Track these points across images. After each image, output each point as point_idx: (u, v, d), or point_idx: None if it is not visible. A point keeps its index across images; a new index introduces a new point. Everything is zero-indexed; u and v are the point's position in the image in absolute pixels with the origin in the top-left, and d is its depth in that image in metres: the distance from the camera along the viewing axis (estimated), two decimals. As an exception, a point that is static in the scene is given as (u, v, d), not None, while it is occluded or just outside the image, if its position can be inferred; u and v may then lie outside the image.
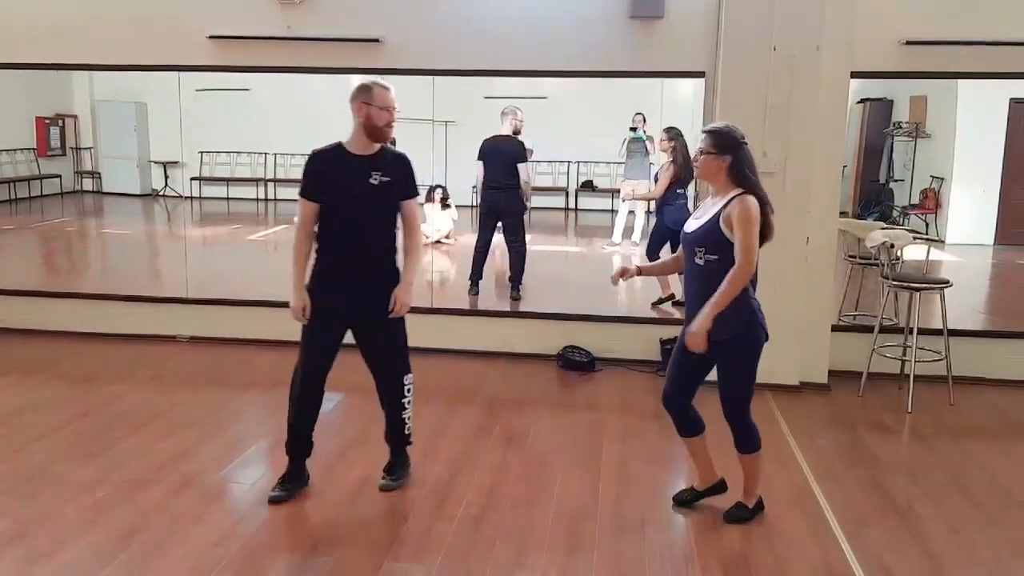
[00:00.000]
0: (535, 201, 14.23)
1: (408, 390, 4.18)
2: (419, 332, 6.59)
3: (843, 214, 6.98)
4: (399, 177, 4.05)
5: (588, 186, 15.55)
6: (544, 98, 13.83)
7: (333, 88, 14.50)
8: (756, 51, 5.65)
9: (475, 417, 5.28)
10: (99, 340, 6.77)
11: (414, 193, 4.11)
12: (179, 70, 7.02)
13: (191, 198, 16.63)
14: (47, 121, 16.48)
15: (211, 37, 6.47)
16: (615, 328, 6.58)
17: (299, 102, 13.96)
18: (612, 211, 13.15)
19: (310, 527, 3.80)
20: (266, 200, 16.37)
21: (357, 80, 4.18)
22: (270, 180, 16.42)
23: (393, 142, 4.19)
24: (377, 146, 4.03)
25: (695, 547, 3.73)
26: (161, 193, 16.88)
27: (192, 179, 16.70)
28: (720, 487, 4.14)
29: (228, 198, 16.55)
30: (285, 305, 6.82)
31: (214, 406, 5.40)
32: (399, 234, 4.08)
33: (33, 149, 16.30)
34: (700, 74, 6.12)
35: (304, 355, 4.12)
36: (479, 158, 8.25)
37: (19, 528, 3.70)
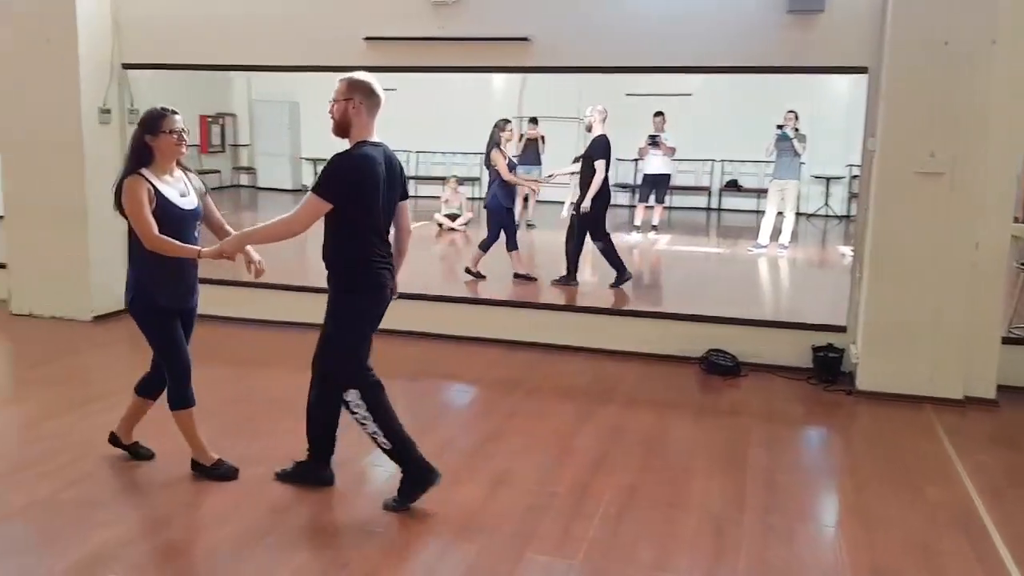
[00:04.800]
0: (676, 200, 14.16)
1: None
2: (558, 330, 6.69)
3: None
4: None
5: (733, 186, 15.20)
6: (689, 95, 13.62)
7: (475, 87, 14.81)
8: (925, 45, 5.35)
9: (614, 417, 5.22)
10: (255, 326, 7.11)
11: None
12: (336, 71, 7.24)
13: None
14: (210, 119, 17.47)
15: (367, 39, 6.67)
16: (762, 332, 6.36)
17: (441, 101, 14.26)
18: (759, 212, 12.79)
19: (453, 515, 3.84)
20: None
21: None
22: (411, 178, 16.84)
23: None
24: None
25: (847, 561, 3.57)
26: (310, 188, 17.54)
27: (339, 175, 17.30)
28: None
29: (372, 194, 17.04)
30: (425, 298, 7.09)
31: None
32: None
33: (196, 146, 17.30)
34: (863, 70, 5.85)
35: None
36: (605, 157, 8.28)
37: (187, 499, 3.93)
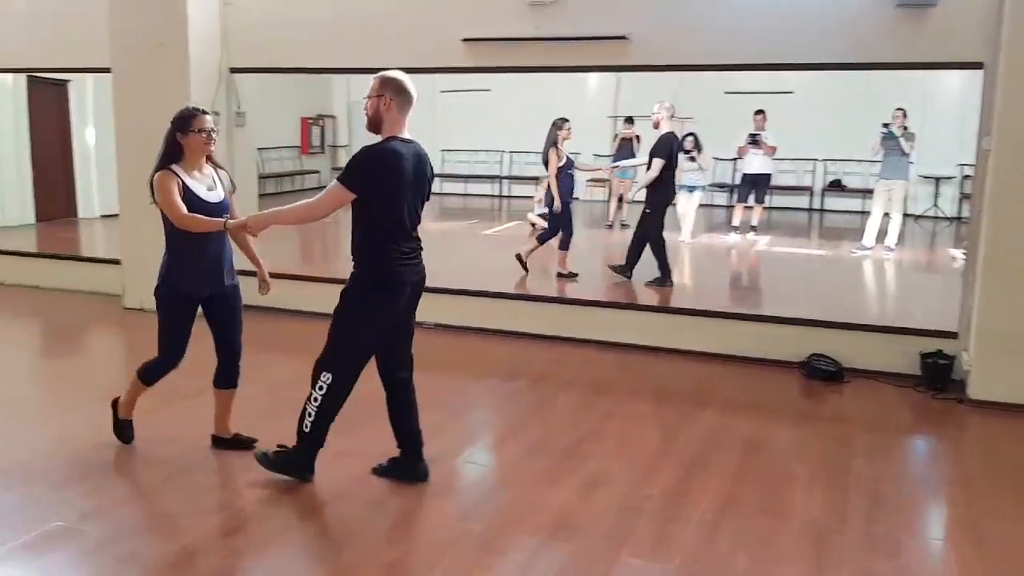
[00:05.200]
0: (776, 201, 13.84)
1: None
2: (653, 331, 6.61)
3: None
4: None
5: (836, 185, 14.77)
6: (790, 93, 13.29)
7: (569, 87, 14.76)
8: (1045, 38, 5.09)
9: (712, 421, 5.13)
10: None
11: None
12: (435, 72, 7.37)
13: (432, 194, 17.45)
14: (310, 121, 17.95)
15: (465, 40, 6.72)
16: (866, 337, 6.13)
17: (536, 101, 14.27)
18: (863, 213, 12.37)
19: (548, 513, 3.84)
20: (500, 197, 16.89)
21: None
22: (505, 177, 16.93)
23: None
24: None
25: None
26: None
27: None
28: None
29: (466, 194, 17.24)
30: (518, 298, 7.10)
31: (456, 390, 5.62)
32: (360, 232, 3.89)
33: (297, 147, 17.81)
34: (978, 65, 5.59)
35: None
36: (667, 156, 8.27)
37: (288, 489, 4.02)
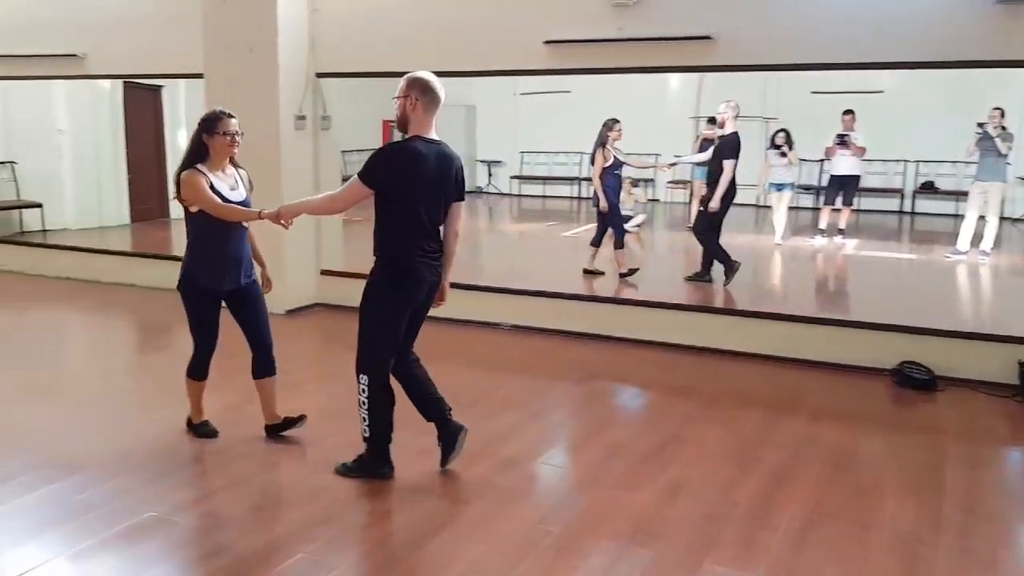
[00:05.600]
0: (864, 203, 13.46)
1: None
2: (733, 335, 6.49)
3: None
4: None
5: (929, 187, 14.30)
6: (880, 92, 12.92)
7: (651, 88, 14.60)
8: None
9: (798, 428, 5.00)
10: (429, 323, 7.29)
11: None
12: (517, 74, 7.38)
13: (510, 195, 17.57)
14: (392, 124, 18.15)
15: (547, 42, 6.71)
16: (961, 344, 5.90)
17: (616, 102, 14.20)
18: (957, 216, 11.92)
19: (628, 518, 3.80)
20: (579, 199, 16.85)
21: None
22: (584, 179, 16.87)
23: None
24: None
25: (1062, 598, 3.26)
26: (485, 190, 17.99)
27: (512, 177, 17.63)
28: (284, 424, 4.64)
29: (544, 196, 17.26)
30: (597, 300, 7.04)
31: (532, 392, 5.61)
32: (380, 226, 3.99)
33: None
34: (1084, 61, 5.34)
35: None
36: (734, 157, 8.14)
37: (371, 486, 4.08)
